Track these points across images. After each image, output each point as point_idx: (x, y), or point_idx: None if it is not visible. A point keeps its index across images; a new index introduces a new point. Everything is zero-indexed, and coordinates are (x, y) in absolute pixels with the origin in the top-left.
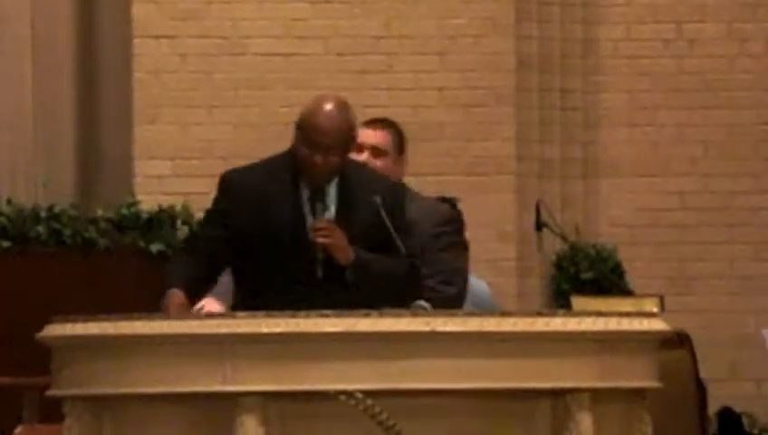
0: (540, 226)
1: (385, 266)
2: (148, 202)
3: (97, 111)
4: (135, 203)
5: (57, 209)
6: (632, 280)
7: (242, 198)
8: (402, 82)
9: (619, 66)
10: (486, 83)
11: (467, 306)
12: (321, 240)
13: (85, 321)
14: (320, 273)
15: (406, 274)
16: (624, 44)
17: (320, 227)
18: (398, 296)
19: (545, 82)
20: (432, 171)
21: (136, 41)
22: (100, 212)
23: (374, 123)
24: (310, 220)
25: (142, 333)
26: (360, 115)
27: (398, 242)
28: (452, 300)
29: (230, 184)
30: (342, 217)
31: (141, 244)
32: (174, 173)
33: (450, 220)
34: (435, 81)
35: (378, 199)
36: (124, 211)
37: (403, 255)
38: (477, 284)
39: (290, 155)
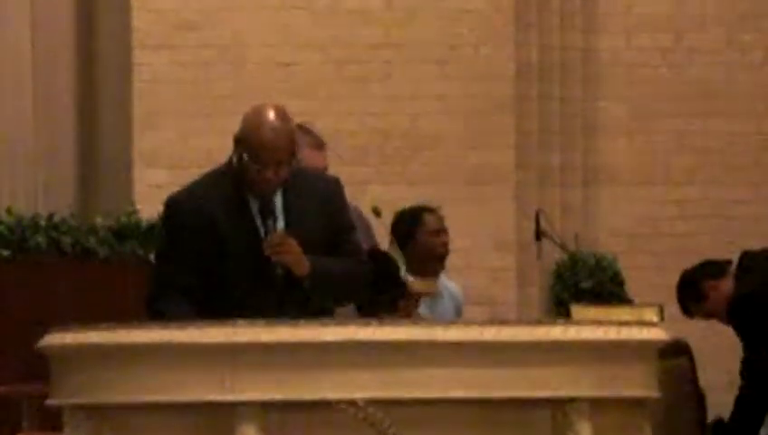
0: (539, 235)
1: (342, 269)
2: (147, 211)
3: (97, 119)
4: (134, 212)
5: (56, 218)
6: (632, 289)
7: (194, 225)
8: (401, 91)
9: (619, 75)
10: (486, 92)
11: (447, 305)
12: (276, 258)
13: (84, 330)
14: (280, 285)
15: (363, 272)
16: (623, 53)
17: (274, 243)
18: (358, 295)
19: (545, 91)
20: (431, 180)
21: (136, 50)
22: (99, 221)
23: (310, 140)
24: (263, 234)
25: (141, 341)
26: (359, 124)
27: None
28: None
29: (179, 213)
30: (292, 225)
31: (141, 253)
32: (173, 182)
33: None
34: (434, 89)
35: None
36: (124, 220)
37: (355, 251)
38: (453, 285)
39: (230, 168)
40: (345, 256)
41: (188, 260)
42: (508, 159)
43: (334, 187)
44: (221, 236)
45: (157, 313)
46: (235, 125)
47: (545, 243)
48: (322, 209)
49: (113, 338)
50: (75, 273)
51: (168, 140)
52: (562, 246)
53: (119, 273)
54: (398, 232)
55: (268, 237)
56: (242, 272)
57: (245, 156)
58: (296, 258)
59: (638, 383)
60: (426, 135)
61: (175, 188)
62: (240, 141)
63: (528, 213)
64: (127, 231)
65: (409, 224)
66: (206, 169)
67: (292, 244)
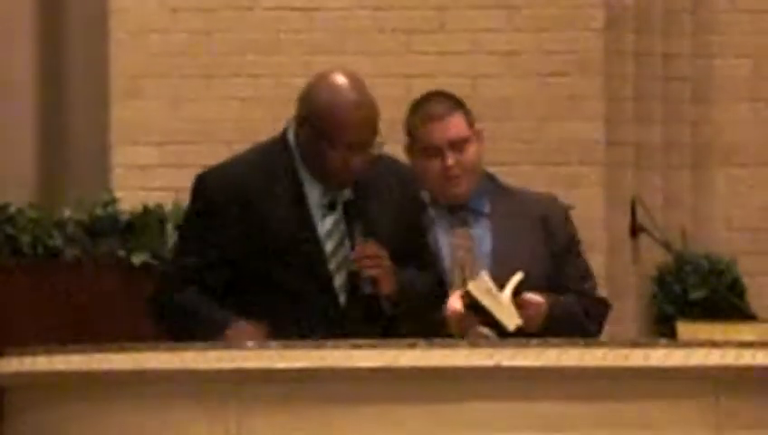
0: (636, 230)
1: (421, 285)
2: (128, 200)
3: (63, 83)
4: (112, 202)
5: (12, 210)
6: (755, 300)
7: (230, 206)
8: (457, 45)
9: (740, 23)
10: (566, 46)
11: None
12: (371, 272)
13: (48, 353)
14: (342, 300)
15: (436, 286)
16: None
17: (366, 254)
18: (423, 314)
19: (643, 45)
20: (495, 160)
21: None
22: (67, 213)
23: (439, 107)
24: (321, 231)
25: (122, 368)
26: (403, 88)
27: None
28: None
29: (212, 190)
30: (363, 224)
31: (121, 253)
32: (162, 163)
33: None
34: (499, 42)
35: None
36: (98, 212)
37: (432, 263)
38: None
39: (283, 142)
40: (422, 269)
41: (219, 254)
42: (595, 134)
43: (413, 177)
44: (266, 226)
45: (164, 306)
46: (239, 88)
47: (644, 241)
48: (401, 206)
49: (86, 364)
50: (36, 279)
51: (156, 109)
52: (666, 245)
53: (92, 280)
54: None
55: (357, 246)
56: (291, 280)
57: (314, 138)
58: (387, 274)
59: (764, 421)
60: (488, 103)
61: (163, 170)
62: (307, 122)
63: (621, 202)
64: (102, 226)
65: None
66: (205, 145)
67: (385, 256)
